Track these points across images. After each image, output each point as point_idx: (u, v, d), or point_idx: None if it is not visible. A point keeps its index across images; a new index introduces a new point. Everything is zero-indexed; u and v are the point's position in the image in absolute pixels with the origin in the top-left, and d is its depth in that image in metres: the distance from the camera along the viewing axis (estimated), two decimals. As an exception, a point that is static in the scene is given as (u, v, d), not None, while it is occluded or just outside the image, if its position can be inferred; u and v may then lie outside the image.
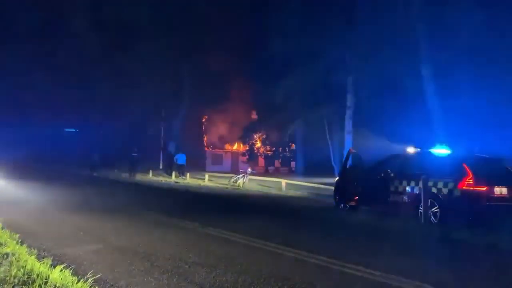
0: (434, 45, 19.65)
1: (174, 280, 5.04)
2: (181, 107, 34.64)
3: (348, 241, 8.30)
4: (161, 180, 25.07)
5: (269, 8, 27.00)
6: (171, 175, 26.72)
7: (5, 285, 4.27)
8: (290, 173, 34.32)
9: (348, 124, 24.21)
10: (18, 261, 5.04)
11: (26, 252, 5.65)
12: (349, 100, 24.22)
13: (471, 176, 9.76)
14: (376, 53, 20.77)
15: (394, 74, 20.73)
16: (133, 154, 27.21)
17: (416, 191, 10.69)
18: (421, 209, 10.22)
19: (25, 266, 4.81)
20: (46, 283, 4.32)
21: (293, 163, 39.22)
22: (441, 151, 11.31)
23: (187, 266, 5.62)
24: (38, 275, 4.53)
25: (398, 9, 19.93)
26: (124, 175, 26.83)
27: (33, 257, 5.41)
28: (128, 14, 29.88)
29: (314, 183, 20.56)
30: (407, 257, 6.86)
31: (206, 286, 4.81)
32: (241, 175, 22.63)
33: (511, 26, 17.92)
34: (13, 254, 5.32)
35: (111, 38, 31.56)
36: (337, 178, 14.95)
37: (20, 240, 6.40)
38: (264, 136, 38.80)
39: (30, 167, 28.89)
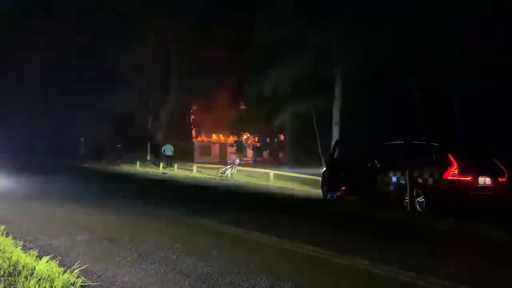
0: (419, 36, 19.79)
1: (162, 270, 5.04)
2: (168, 98, 34.42)
3: (335, 231, 8.38)
4: (149, 171, 24.96)
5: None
6: (158, 166, 26.62)
7: (-9, 277, 4.24)
8: (278, 164, 34.40)
9: (336, 115, 24.26)
10: (3, 252, 5.00)
11: (12, 243, 5.59)
12: (337, 91, 24.25)
13: (456, 166, 9.92)
14: (363, 44, 20.79)
15: (382, 65, 20.80)
16: (118, 145, 27.50)
17: (402, 181, 10.82)
18: (407, 199, 10.36)
19: (11, 257, 4.77)
20: (32, 274, 4.29)
21: (281, 154, 39.32)
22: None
23: (174, 257, 5.63)
24: (24, 267, 4.50)
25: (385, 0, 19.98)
26: (111, 166, 26.69)
27: (18, 248, 5.37)
28: (116, 1, 29.56)
29: (302, 173, 20.67)
30: (391, 246, 6.96)
31: (194, 276, 4.82)
32: (229, 166, 22.63)
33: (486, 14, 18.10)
34: (-2, 246, 5.27)
35: (98, 26, 31.19)
36: (324, 168, 15.05)
37: (5, 232, 6.33)
38: (253, 127, 38.73)
39: (17, 159, 28.54)
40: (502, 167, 10.54)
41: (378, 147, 12.76)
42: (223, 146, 42.24)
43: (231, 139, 40.68)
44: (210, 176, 22.23)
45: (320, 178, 14.52)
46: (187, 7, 30.71)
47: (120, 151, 27.37)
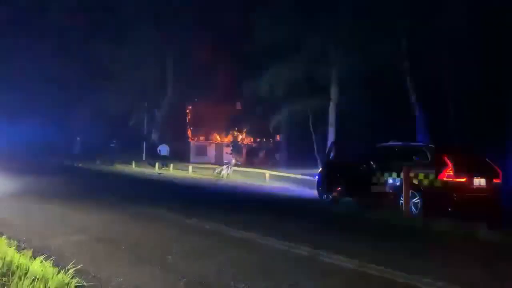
0: (414, 38, 19.88)
1: (157, 271, 5.03)
2: (164, 98, 34.40)
3: (329, 231, 8.39)
4: (144, 171, 24.87)
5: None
6: (154, 166, 26.55)
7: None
8: (274, 165, 34.39)
9: (332, 117, 24.30)
10: (-3, 252, 4.97)
11: (6, 243, 5.56)
12: (333, 93, 24.29)
13: (451, 167, 9.95)
14: (359, 45, 20.85)
15: (378, 66, 20.85)
16: (111, 145, 27.54)
17: (397, 182, 10.83)
18: (402, 200, 10.37)
19: (5, 257, 4.73)
20: (26, 274, 4.26)
21: (277, 155, 39.33)
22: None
23: (170, 257, 5.62)
24: (17, 267, 4.47)
25: (381, 1, 20.03)
26: (106, 167, 26.62)
27: (12, 248, 5.33)
28: (113, 1, 29.59)
29: (298, 174, 20.68)
30: (385, 247, 6.97)
31: (189, 277, 4.81)
32: (225, 166, 22.61)
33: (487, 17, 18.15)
34: (-8, 246, 5.23)
35: (94, 25, 31.14)
36: (320, 169, 15.06)
37: (-1, 232, 6.30)
38: (249, 128, 38.77)
39: (10, 158, 28.37)
40: (497, 168, 10.59)
41: (374, 148, 12.79)
42: (219, 146, 42.14)
43: (227, 139, 40.66)
44: (205, 177, 22.20)
45: (316, 179, 14.52)
46: (184, 6, 30.74)
47: (115, 151, 27.39)
